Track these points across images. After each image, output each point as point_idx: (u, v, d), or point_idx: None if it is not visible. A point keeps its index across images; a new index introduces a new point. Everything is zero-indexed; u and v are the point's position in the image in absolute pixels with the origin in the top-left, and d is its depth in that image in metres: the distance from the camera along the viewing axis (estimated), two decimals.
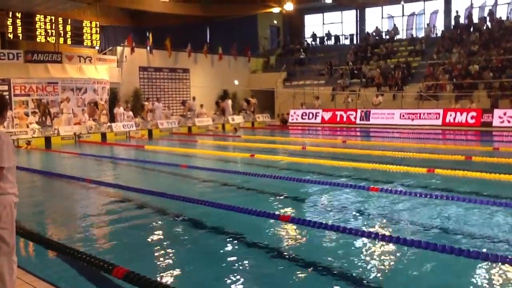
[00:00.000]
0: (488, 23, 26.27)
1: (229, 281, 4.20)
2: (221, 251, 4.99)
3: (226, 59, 28.01)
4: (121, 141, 17.45)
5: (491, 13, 26.71)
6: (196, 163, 11.46)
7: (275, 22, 34.50)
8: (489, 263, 4.32)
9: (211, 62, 27.48)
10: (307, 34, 34.48)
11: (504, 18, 26.02)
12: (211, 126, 22.41)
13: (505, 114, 18.70)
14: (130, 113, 20.44)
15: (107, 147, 15.96)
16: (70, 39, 22.33)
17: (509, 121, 18.45)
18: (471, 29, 26.35)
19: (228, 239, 5.38)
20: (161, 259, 4.87)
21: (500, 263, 4.26)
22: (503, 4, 27.40)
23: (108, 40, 25.14)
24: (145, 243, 5.45)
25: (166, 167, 10.76)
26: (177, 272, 4.53)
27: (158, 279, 4.20)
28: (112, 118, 20.06)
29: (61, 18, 21.84)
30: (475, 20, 27.16)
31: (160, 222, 6.26)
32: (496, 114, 18.90)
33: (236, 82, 28.03)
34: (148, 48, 24.05)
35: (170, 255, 5.02)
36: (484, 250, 4.71)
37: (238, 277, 4.29)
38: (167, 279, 4.29)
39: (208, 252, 5.04)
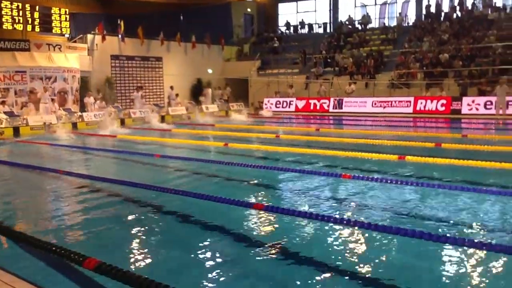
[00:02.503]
0: (458, 13, 26.77)
1: (202, 269, 4.21)
2: (195, 239, 4.98)
3: (200, 48, 27.75)
4: (92, 130, 17.14)
5: (461, 3, 27.21)
6: (170, 153, 11.37)
7: (249, 10, 34.31)
8: (458, 247, 4.44)
9: (184, 51, 27.18)
10: (281, 22, 34.43)
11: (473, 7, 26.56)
12: (185, 115, 22.24)
13: (473, 101, 19.17)
14: (103, 103, 20.10)
15: (78, 136, 15.65)
16: (38, 26, 21.62)
17: (477, 109, 18.93)
18: (442, 18, 26.82)
19: (201, 228, 5.38)
20: (134, 249, 4.83)
21: (468, 247, 4.38)
22: None
23: (78, 27, 24.49)
24: (117, 233, 5.39)
25: (139, 156, 10.64)
26: (150, 261, 4.51)
27: (131, 269, 4.17)
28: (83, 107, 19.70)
29: (28, 5, 21.13)
30: (446, 9, 27.65)
31: (132, 212, 6.20)
32: (465, 101, 19.36)
33: (210, 71, 27.84)
34: (120, 36, 23.57)
35: (143, 244, 4.99)
36: (453, 234, 4.84)
37: (211, 265, 4.30)
38: (140, 268, 4.26)
39: (181, 241, 5.03)
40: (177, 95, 23.37)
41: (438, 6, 27.65)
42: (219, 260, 4.42)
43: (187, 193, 6.46)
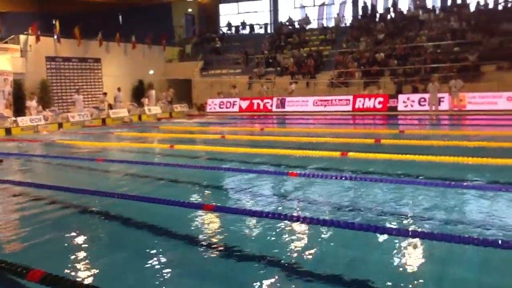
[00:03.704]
0: (392, 14, 27.99)
1: (152, 274, 4.15)
2: (143, 244, 4.90)
3: (140, 48, 27.21)
4: (28, 136, 16.34)
5: (395, 4, 28.48)
6: (113, 156, 11.08)
7: (190, 10, 34.06)
8: (400, 238, 4.67)
9: (124, 51, 26.52)
10: (223, 23, 34.46)
11: (406, 8, 27.91)
12: (127, 118, 21.74)
13: (408, 99, 20.14)
14: (40, 107, 19.24)
15: (12, 143, 14.87)
16: None
17: (412, 105, 19.91)
18: (377, 19, 27.93)
19: (150, 232, 5.30)
20: (79, 257, 4.68)
21: (410, 238, 4.62)
22: None
23: (9, 27, 23.24)
24: (61, 241, 5.19)
25: (80, 161, 10.29)
26: (97, 269, 4.38)
27: (78, 278, 4.05)
28: (21, 111, 18.73)
29: None
30: (380, 10, 28.83)
31: (75, 219, 5.99)
32: (401, 99, 20.30)
33: (151, 72, 27.36)
34: (55, 36, 22.62)
35: (90, 252, 4.84)
36: (395, 226, 5.08)
37: (161, 269, 4.25)
38: (88, 277, 4.14)
39: (129, 247, 4.93)
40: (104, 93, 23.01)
41: (373, 7, 28.79)
42: (166, 262, 4.38)
43: (131, 197, 6.34)
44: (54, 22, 22.39)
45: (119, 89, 23.03)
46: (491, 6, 25.01)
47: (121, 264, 4.50)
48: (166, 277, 4.11)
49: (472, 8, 25.66)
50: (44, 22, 22.90)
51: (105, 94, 22.93)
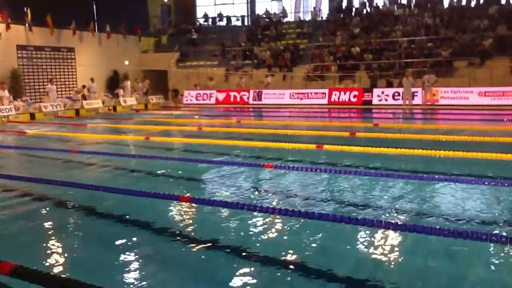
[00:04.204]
0: (368, 8, 28.25)
1: (127, 266, 4.14)
2: (118, 236, 4.85)
3: (115, 38, 26.76)
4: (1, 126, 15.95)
5: None
6: (87, 148, 10.92)
7: (166, 1, 33.64)
8: (374, 229, 4.77)
9: (98, 41, 26.05)
10: (199, 14, 34.19)
11: (381, 3, 28.20)
12: (101, 109, 21.42)
13: (382, 93, 20.44)
14: (11, 97, 18.75)
15: None
16: None
17: (386, 99, 20.21)
18: (353, 13, 28.15)
19: (125, 224, 5.27)
20: (51, 249, 4.62)
21: (384, 229, 4.73)
22: None
23: None
24: (32, 233, 5.12)
25: (54, 153, 10.10)
26: (70, 261, 4.34)
27: (50, 270, 4.00)
28: None
29: None
30: (356, 5, 29.05)
31: (48, 211, 5.90)
32: (375, 93, 20.58)
33: (127, 62, 26.97)
34: (27, 24, 22.02)
35: (62, 244, 4.79)
36: (367, 217, 5.18)
37: (137, 260, 4.25)
38: (60, 269, 4.10)
39: (103, 239, 4.89)
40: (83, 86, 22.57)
41: (349, 1, 28.99)
42: (140, 254, 4.37)
43: (105, 188, 6.28)
44: (25, 9, 21.78)
45: (92, 80, 22.63)
46: (464, 3, 25.50)
47: (95, 256, 4.47)
48: (139, 268, 4.11)
49: (446, 4, 26.12)
50: (14, 10, 22.24)
51: (83, 86, 22.50)
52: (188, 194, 6.31)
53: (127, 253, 4.41)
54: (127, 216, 5.49)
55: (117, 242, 4.67)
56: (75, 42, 24.60)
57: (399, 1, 27.79)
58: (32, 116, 18.41)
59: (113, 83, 25.56)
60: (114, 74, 26.29)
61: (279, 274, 3.93)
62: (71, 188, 6.60)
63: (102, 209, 5.86)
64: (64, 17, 23.37)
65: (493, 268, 3.99)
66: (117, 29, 26.54)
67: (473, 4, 25.19)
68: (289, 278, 3.88)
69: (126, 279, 3.86)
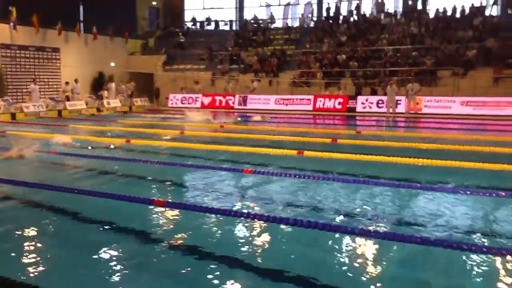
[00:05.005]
0: (355, 16, 28.46)
1: (104, 271, 4.07)
2: (94, 241, 4.79)
3: (102, 39, 26.55)
4: None
5: (358, 7, 28.97)
6: (66, 150, 10.76)
7: (154, 3, 33.52)
8: (354, 236, 4.75)
9: (84, 42, 25.83)
10: (187, 17, 34.11)
11: (368, 12, 28.45)
12: (84, 110, 21.20)
13: (367, 100, 20.60)
14: None
15: None
16: None
17: (370, 107, 20.36)
18: (340, 21, 28.33)
19: (101, 228, 5.19)
20: (27, 255, 4.51)
21: (364, 237, 4.72)
22: None
23: None
24: (8, 239, 5.00)
25: (32, 154, 9.90)
26: (45, 268, 4.23)
27: (24, 279, 3.89)
28: None
29: None
30: (344, 13, 29.25)
31: (25, 215, 5.80)
32: (360, 100, 20.73)
33: (113, 64, 26.77)
34: (12, 23, 21.74)
35: (37, 250, 4.68)
36: (346, 224, 5.18)
37: (113, 266, 4.18)
38: (34, 278, 3.98)
39: (79, 243, 4.81)
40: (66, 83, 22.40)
41: (337, 9, 29.19)
42: (115, 258, 4.32)
43: (81, 191, 6.19)
44: (10, 8, 21.52)
45: (76, 81, 22.41)
46: (449, 13, 25.83)
47: (70, 260, 4.39)
48: (115, 273, 4.04)
49: (432, 14, 26.44)
50: (0, 8, 21.98)
51: (67, 83, 22.26)
52: (165, 198, 6.25)
53: (102, 257, 4.35)
54: (102, 219, 5.41)
55: (92, 246, 4.62)
56: (60, 43, 24.35)
57: (386, 10, 28.07)
58: (13, 116, 18.15)
59: (98, 84, 25.34)
60: (99, 76, 26.07)
61: (254, 278, 3.89)
62: (47, 191, 6.48)
63: (78, 211, 5.76)
64: (50, 17, 23.12)
65: (470, 276, 4.01)
66: (104, 30, 26.33)
67: (458, 15, 25.52)
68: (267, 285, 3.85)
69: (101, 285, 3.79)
